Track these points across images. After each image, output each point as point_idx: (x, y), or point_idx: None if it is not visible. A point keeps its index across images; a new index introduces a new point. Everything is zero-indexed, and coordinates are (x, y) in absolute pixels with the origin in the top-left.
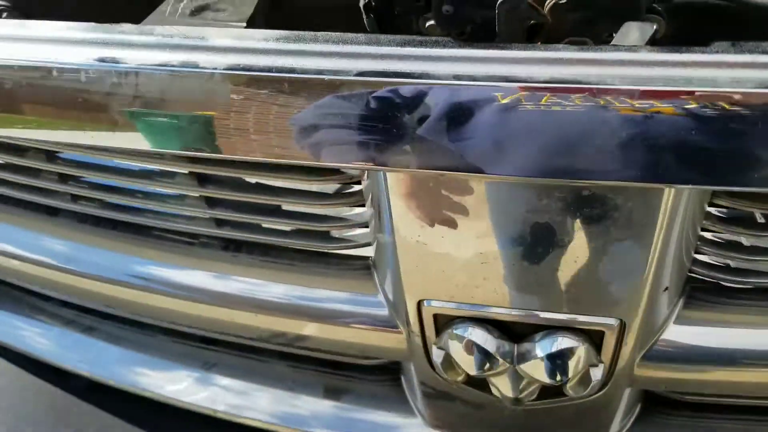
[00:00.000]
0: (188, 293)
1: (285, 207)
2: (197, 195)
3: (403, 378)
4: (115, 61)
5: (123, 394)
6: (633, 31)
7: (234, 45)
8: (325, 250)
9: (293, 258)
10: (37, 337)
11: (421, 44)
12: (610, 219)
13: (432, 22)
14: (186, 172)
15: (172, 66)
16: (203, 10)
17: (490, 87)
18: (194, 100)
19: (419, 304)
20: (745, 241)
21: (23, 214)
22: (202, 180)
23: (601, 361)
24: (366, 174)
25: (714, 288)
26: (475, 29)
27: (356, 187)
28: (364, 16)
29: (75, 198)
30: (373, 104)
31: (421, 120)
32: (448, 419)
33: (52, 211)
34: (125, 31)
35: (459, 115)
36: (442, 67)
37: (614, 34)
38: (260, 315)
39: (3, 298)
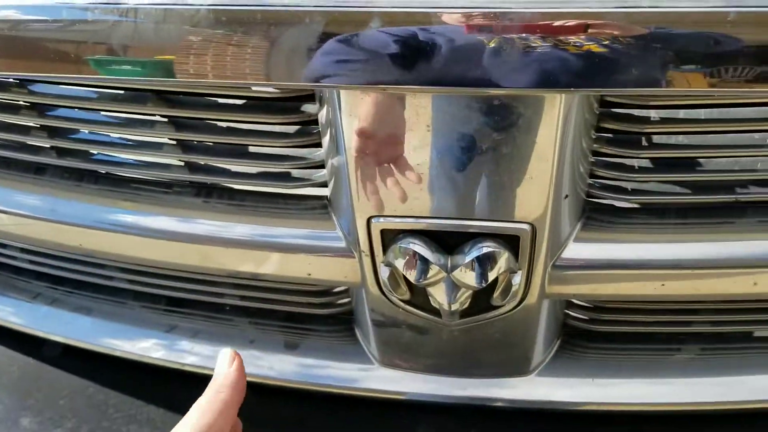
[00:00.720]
0: (162, 236)
1: (250, 150)
2: (169, 140)
3: (356, 328)
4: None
5: (94, 357)
6: None
7: None
8: (287, 191)
9: (258, 200)
10: (9, 309)
11: None
12: (517, 128)
13: None
14: (158, 118)
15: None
16: None
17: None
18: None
19: (368, 222)
20: (629, 162)
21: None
22: (175, 125)
23: (519, 268)
24: (323, 105)
25: (607, 208)
26: None
27: (314, 128)
28: None
29: (56, 150)
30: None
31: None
32: (397, 354)
33: (27, 164)
34: None
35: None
36: None
37: None
38: (228, 251)
39: None
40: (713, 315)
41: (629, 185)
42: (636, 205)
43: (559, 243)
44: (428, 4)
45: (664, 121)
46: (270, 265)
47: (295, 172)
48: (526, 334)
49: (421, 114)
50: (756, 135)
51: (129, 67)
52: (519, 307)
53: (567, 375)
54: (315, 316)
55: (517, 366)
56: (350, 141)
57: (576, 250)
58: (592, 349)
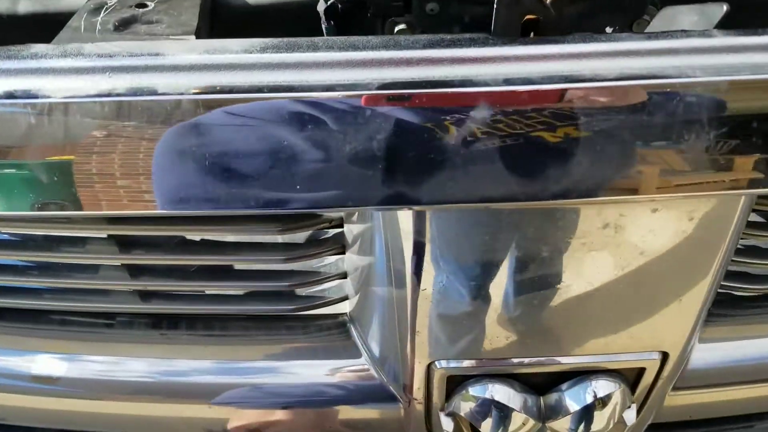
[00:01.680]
0: (110, 389)
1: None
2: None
3: None
4: (30, 94)
5: None
6: (689, 16)
7: (205, 61)
8: (290, 314)
9: (243, 326)
10: None
11: (454, 44)
12: (679, 237)
13: (402, 26)
14: (103, 236)
15: (121, 94)
16: (131, 24)
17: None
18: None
19: (429, 367)
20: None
21: None
22: (119, 243)
23: (634, 402)
24: (354, 216)
25: (727, 299)
26: (463, 29)
27: (336, 231)
28: (324, 23)
29: None
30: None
31: (467, 142)
32: None
33: None
34: (38, 53)
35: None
36: (489, 69)
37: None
38: (211, 407)
39: None
40: None
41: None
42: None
43: (683, 360)
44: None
45: None
46: (271, 418)
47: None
48: None
49: (514, 230)
50: None
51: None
52: None
53: None
54: None
55: None
56: (412, 271)
57: (701, 359)
58: None
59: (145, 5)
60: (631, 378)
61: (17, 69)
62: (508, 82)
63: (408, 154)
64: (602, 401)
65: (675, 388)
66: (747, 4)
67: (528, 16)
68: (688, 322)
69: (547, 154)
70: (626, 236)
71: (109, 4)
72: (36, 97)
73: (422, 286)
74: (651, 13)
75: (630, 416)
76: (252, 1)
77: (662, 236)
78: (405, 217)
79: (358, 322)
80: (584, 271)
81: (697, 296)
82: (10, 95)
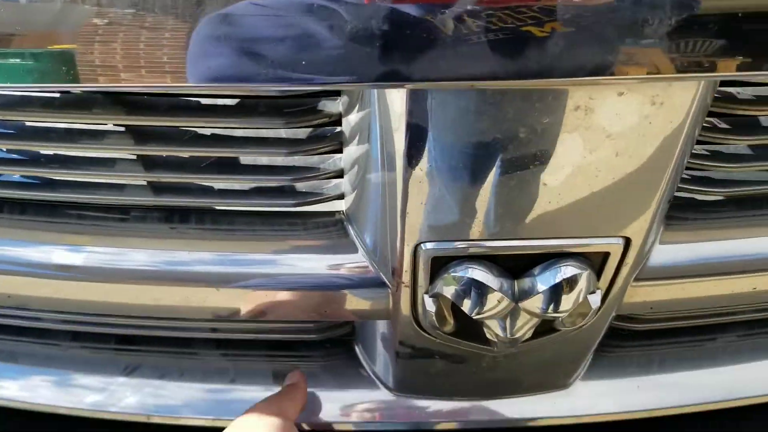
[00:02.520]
0: (124, 276)
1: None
2: (133, 156)
3: (358, 348)
4: None
5: (24, 415)
6: None
7: None
8: (291, 209)
9: (248, 221)
10: None
11: None
12: (639, 122)
13: None
14: (120, 129)
15: None
16: None
17: None
18: None
19: (416, 248)
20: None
21: None
22: (135, 136)
23: (599, 288)
24: (354, 105)
25: (690, 203)
26: None
27: (335, 129)
28: None
29: None
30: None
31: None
32: (419, 381)
33: None
34: None
35: None
36: None
37: None
38: (216, 292)
39: None
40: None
41: (718, 175)
42: (720, 198)
43: (644, 251)
44: None
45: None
46: (270, 305)
47: (302, 185)
48: (580, 351)
49: (503, 113)
50: None
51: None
52: (585, 326)
53: (606, 384)
54: (308, 341)
55: (557, 382)
56: (403, 152)
57: (662, 256)
58: (630, 347)
59: None
60: (596, 263)
61: None
62: None
63: (403, 33)
64: (569, 283)
65: (637, 279)
66: None
67: None
68: (648, 208)
69: (529, 40)
70: (594, 119)
71: None
72: None
73: (412, 167)
74: None
75: (595, 300)
76: None
77: (626, 120)
78: (397, 100)
79: (353, 218)
80: (557, 153)
81: (657, 183)
82: None
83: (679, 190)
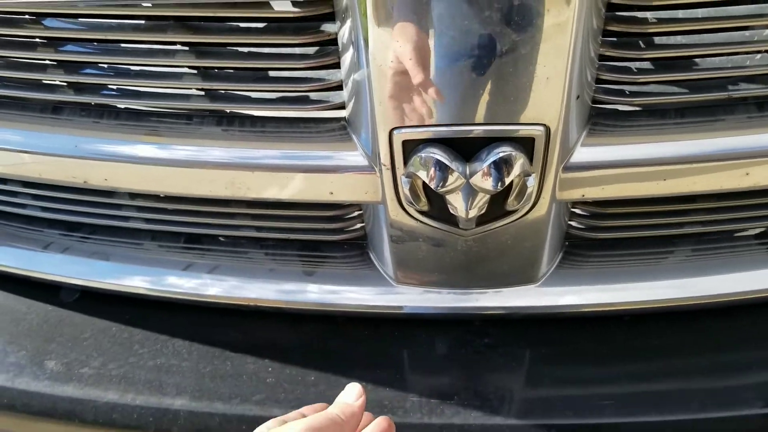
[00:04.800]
0: (185, 165)
1: (270, 75)
2: (188, 69)
3: (371, 252)
4: None
5: (113, 299)
6: None
7: None
8: (305, 114)
9: (278, 125)
10: (21, 259)
11: None
12: (534, 29)
13: None
14: (178, 47)
15: None
16: None
17: None
18: None
19: (390, 134)
20: (632, 66)
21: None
22: (195, 53)
23: (533, 172)
24: (344, 22)
25: (611, 112)
26: None
27: (333, 48)
28: None
29: (74, 87)
30: None
31: None
32: (413, 270)
33: (57, 107)
34: None
35: None
36: None
37: None
38: (252, 175)
39: None
40: (706, 215)
41: (631, 88)
42: (637, 108)
43: (569, 147)
44: None
45: (662, 21)
46: (292, 188)
47: (314, 95)
48: (535, 240)
49: (441, 18)
50: (746, 32)
51: None
52: (531, 212)
53: (571, 283)
54: (330, 243)
55: (526, 275)
56: (372, 55)
57: (584, 153)
58: (593, 257)
59: None
60: (528, 148)
61: None
62: None
63: None
64: (506, 163)
65: (566, 170)
66: None
67: None
68: (557, 102)
69: None
70: (508, 24)
71: None
72: None
73: (378, 62)
74: None
75: (531, 182)
76: None
77: (526, 25)
78: (372, 8)
79: (351, 122)
80: (488, 50)
81: (558, 81)
82: None
83: (598, 101)
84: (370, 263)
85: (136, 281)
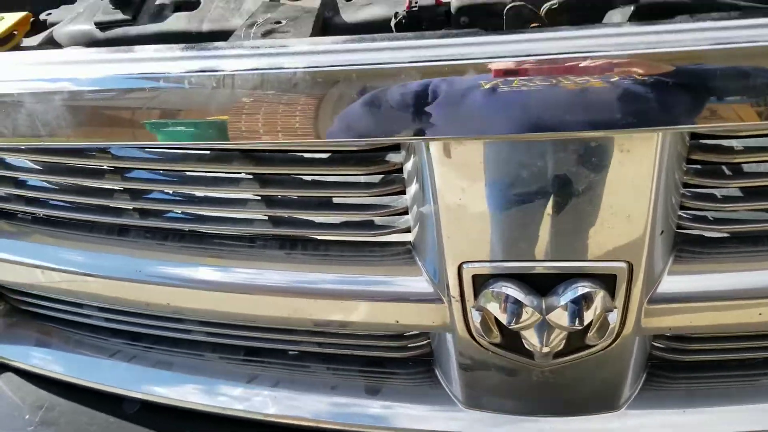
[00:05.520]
0: (248, 290)
1: (334, 201)
2: (256, 196)
3: (437, 370)
4: (214, 69)
5: (174, 412)
6: (616, 16)
7: (310, 49)
8: (370, 239)
9: (341, 249)
10: (88, 368)
11: (457, 35)
12: (612, 167)
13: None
14: (243, 175)
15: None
16: (271, 33)
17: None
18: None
19: (459, 267)
20: (718, 193)
21: (85, 235)
22: (260, 181)
23: (615, 306)
24: (410, 155)
25: (698, 239)
26: None
27: (398, 175)
28: (394, 32)
29: (141, 213)
30: (423, 87)
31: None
32: (483, 395)
33: (122, 229)
34: (218, 47)
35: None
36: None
37: None
38: (315, 302)
39: (50, 335)
40: None
41: (718, 215)
42: (726, 235)
43: (654, 278)
44: (521, 52)
45: (750, 150)
46: (357, 315)
47: (379, 220)
48: (617, 369)
49: (513, 159)
50: None
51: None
52: (613, 344)
53: (657, 406)
54: (394, 359)
55: (607, 402)
56: (441, 189)
57: (671, 284)
58: (680, 379)
59: (280, 22)
60: (609, 284)
61: (206, 56)
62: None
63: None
64: (587, 300)
65: (651, 302)
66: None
67: (532, 24)
68: (641, 238)
69: (529, 102)
70: (583, 165)
71: (258, 23)
72: (216, 71)
73: (446, 198)
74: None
75: (612, 317)
76: (348, 19)
77: (603, 164)
78: (436, 148)
79: (418, 247)
80: (562, 191)
81: (640, 217)
82: (201, 70)
83: (684, 228)
84: (436, 382)
85: (194, 395)
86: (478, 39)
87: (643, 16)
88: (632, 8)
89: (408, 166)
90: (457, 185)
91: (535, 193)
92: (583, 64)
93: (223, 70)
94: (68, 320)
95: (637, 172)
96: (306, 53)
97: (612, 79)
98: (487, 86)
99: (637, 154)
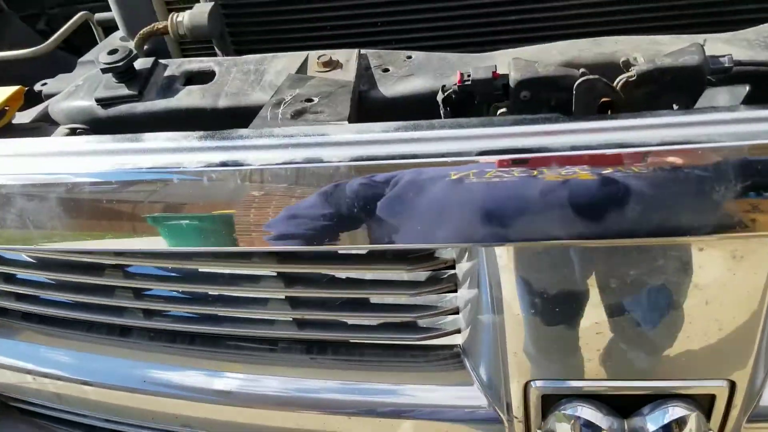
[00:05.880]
0: (272, 402)
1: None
2: (282, 296)
3: None
4: (237, 163)
5: None
6: (723, 95)
7: (356, 138)
8: (413, 342)
9: (377, 353)
10: None
11: (533, 121)
12: (720, 276)
13: (503, 109)
14: (271, 273)
15: (298, 163)
16: (302, 114)
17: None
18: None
19: (526, 385)
20: None
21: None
22: (284, 280)
23: (710, 429)
24: (465, 254)
25: None
26: (549, 111)
27: (450, 272)
28: (441, 109)
29: (146, 312)
30: (502, 182)
31: (547, 192)
32: None
33: (125, 330)
34: (243, 135)
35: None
36: (559, 140)
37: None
38: (351, 419)
39: None
40: None
41: None
42: None
43: (755, 393)
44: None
45: None
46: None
47: (424, 322)
48: None
49: (601, 266)
50: None
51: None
52: None
53: None
54: None
55: None
56: (509, 299)
57: None
58: None
59: (311, 100)
60: (705, 405)
61: (229, 146)
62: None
63: (502, 202)
64: (679, 425)
65: (750, 421)
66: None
67: (603, 99)
68: (749, 352)
69: (615, 203)
70: (685, 272)
71: (286, 100)
72: (241, 165)
73: (518, 312)
74: None
75: None
76: (387, 93)
77: (710, 273)
78: (503, 253)
79: (469, 351)
80: (653, 302)
81: (752, 329)
82: (224, 164)
83: None
84: None
85: None
86: (560, 126)
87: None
88: (747, 89)
89: (463, 266)
90: (530, 296)
91: (624, 305)
92: (700, 158)
93: (249, 165)
94: (60, 419)
95: (750, 280)
96: (350, 143)
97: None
98: (576, 182)
99: (751, 261)
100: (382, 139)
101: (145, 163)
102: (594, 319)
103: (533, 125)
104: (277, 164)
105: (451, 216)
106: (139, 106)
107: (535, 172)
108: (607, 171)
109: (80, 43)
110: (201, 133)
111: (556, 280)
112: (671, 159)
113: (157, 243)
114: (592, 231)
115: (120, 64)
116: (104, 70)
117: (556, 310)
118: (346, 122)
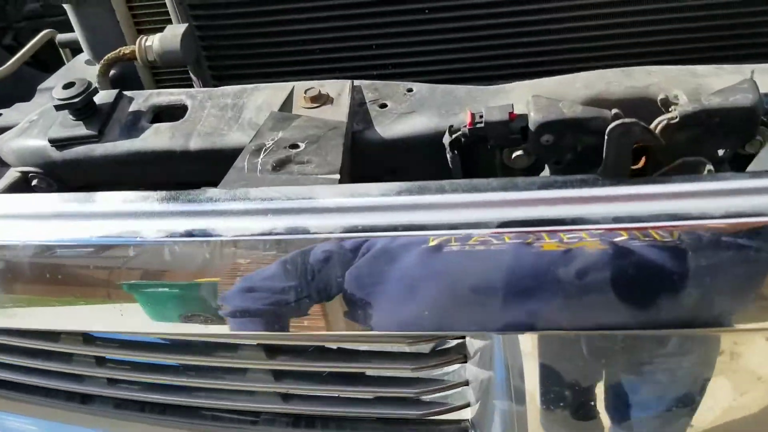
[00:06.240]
0: None
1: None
2: (266, 368)
3: None
4: (206, 233)
5: None
6: None
7: (349, 204)
8: (417, 418)
9: (373, 428)
10: None
11: (566, 185)
12: None
13: (519, 152)
14: (253, 343)
15: (279, 233)
16: (286, 164)
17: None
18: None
19: None
20: None
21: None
22: (269, 351)
23: None
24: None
25: None
26: (575, 156)
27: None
28: (448, 152)
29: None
30: (529, 258)
31: (583, 272)
32: None
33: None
34: (213, 198)
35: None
36: (595, 209)
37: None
38: None
39: None
40: None
41: None
42: None
43: None
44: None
45: None
46: None
47: (428, 397)
48: None
49: (645, 355)
50: None
51: None
52: None
53: None
54: None
55: None
56: (532, 391)
57: None
58: None
59: (297, 146)
60: None
61: (196, 211)
62: (616, 220)
63: (523, 285)
64: None
65: None
66: None
67: (637, 144)
68: None
69: (656, 287)
70: (740, 364)
71: (267, 146)
72: (210, 235)
73: (538, 402)
74: (763, 134)
75: None
76: (385, 134)
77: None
78: (524, 339)
79: (479, 426)
80: (687, 396)
81: None
82: (189, 234)
83: None
84: None
85: None
86: (599, 191)
87: None
88: None
89: (473, 344)
90: (558, 387)
91: (663, 400)
92: None
93: (220, 235)
94: None
95: None
96: (342, 209)
97: None
98: (619, 260)
99: None
100: (381, 204)
101: (96, 230)
102: (624, 414)
103: (566, 189)
104: (253, 235)
105: (461, 299)
106: (99, 148)
107: (569, 248)
108: (659, 247)
109: (48, 58)
110: (163, 193)
111: (585, 373)
112: (736, 232)
113: (111, 320)
114: (638, 321)
115: (77, 100)
116: (58, 108)
117: (582, 403)
118: (338, 175)
